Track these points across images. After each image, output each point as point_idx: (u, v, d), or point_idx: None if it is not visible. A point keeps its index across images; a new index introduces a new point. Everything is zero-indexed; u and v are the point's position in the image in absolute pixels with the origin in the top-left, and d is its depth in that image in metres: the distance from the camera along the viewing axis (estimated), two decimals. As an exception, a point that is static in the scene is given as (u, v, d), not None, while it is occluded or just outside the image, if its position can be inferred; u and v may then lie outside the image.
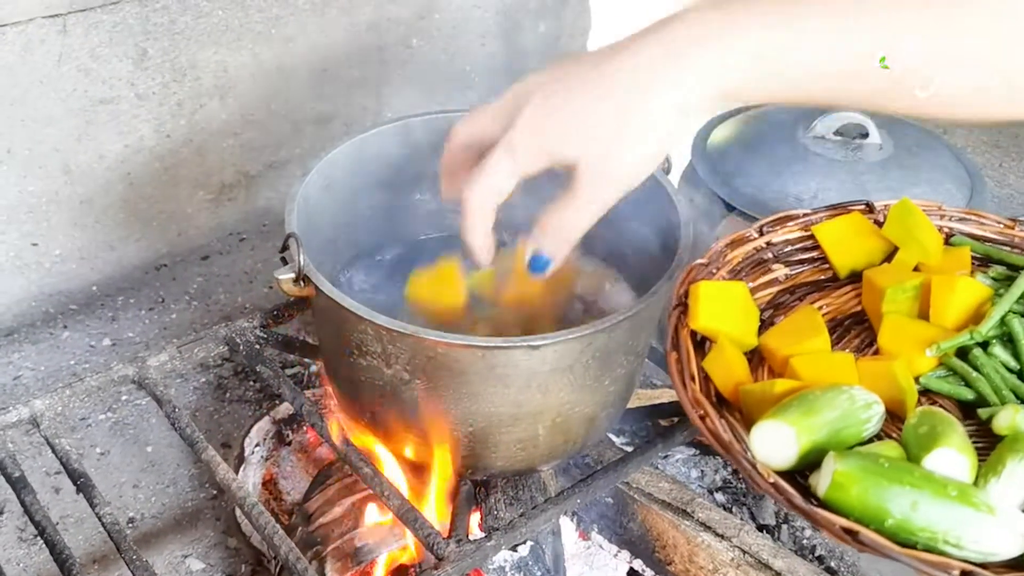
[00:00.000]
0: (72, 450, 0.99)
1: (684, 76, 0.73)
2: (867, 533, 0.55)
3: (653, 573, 1.16)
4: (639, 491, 1.15)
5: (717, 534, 1.10)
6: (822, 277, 0.87)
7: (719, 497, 1.25)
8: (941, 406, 0.74)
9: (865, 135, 1.30)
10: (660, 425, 1.18)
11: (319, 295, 0.89)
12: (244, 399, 1.32)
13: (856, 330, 0.84)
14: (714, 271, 0.80)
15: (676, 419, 1.08)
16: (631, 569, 1.17)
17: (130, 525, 1.16)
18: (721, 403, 0.71)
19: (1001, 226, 0.88)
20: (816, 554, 1.20)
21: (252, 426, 1.21)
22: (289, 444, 1.21)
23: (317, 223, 1.02)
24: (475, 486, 1.03)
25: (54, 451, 0.99)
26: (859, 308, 0.85)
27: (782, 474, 0.62)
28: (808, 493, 0.61)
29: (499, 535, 0.93)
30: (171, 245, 1.50)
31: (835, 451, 0.60)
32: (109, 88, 1.32)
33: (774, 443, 0.63)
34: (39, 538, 0.93)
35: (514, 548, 1.06)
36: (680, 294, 0.77)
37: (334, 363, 1.01)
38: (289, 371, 1.32)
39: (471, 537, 0.93)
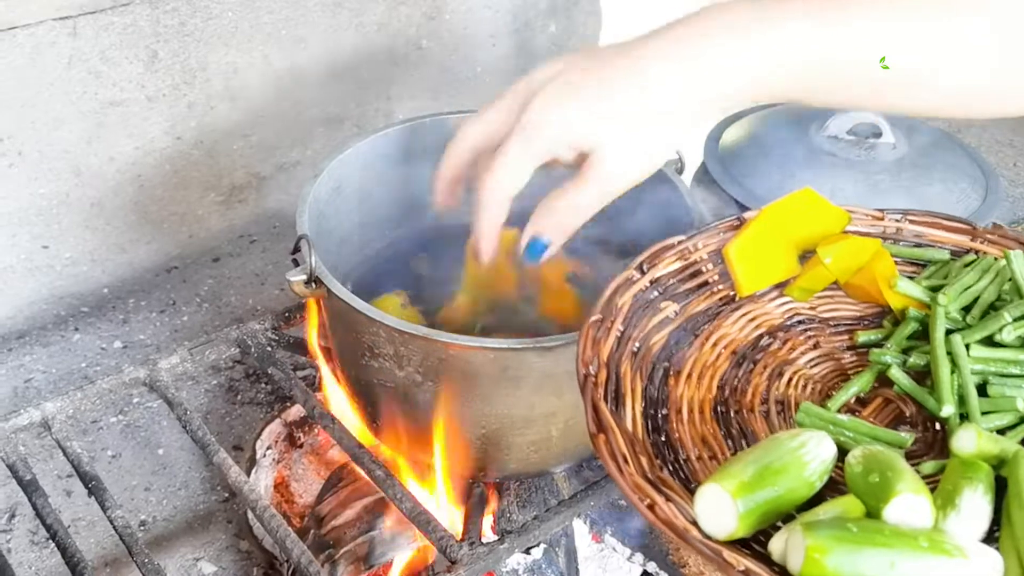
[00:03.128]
0: (83, 453, 0.99)
1: (715, 67, 0.72)
2: None
3: (667, 576, 1.15)
4: (652, 493, 1.14)
5: (731, 536, 1.10)
6: (712, 303, 0.81)
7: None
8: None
9: (879, 135, 1.29)
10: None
11: (331, 296, 0.89)
12: (255, 401, 1.31)
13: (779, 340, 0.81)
14: (609, 325, 0.74)
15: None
16: (645, 572, 1.17)
17: (142, 528, 1.16)
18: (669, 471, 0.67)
19: (869, 219, 0.86)
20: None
21: (263, 428, 1.21)
22: (301, 446, 1.21)
23: (328, 224, 1.02)
24: (488, 488, 1.03)
25: (65, 454, 0.99)
26: (762, 330, 0.81)
27: (735, 542, 0.58)
28: (768, 562, 0.57)
29: (512, 538, 0.92)
30: (182, 247, 1.49)
31: (801, 523, 0.57)
32: (119, 90, 1.32)
33: (714, 510, 0.59)
34: (51, 541, 0.93)
35: (527, 551, 1.05)
36: (586, 360, 0.70)
37: (346, 365, 1.01)
38: (300, 373, 1.32)
39: (484, 540, 0.93)
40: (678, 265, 0.81)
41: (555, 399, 0.91)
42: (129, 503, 1.18)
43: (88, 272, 1.41)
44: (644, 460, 0.64)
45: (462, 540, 0.91)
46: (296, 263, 0.91)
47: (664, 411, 0.71)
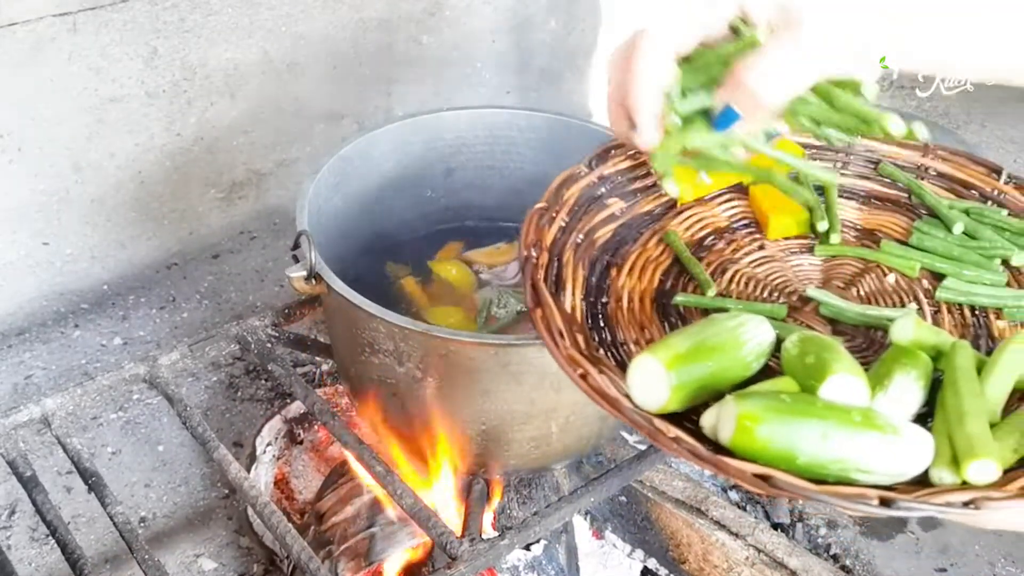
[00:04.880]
0: (83, 449, 0.99)
1: None
2: (781, 476, 0.52)
3: (667, 572, 1.15)
4: (653, 489, 1.15)
5: (731, 532, 1.10)
6: (660, 204, 0.81)
7: (733, 495, 1.24)
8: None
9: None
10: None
11: (331, 292, 0.89)
12: (255, 398, 1.31)
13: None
14: (554, 214, 0.74)
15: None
16: (645, 568, 1.17)
17: (142, 524, 1.16)
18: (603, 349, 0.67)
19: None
20: (831, 552, 1.19)
21: (264, 425, 1.20)
22: (301, 443, 1.21)
23: (328, 220, 1.02)
24: (488, 485, 1.03)
25: (65, 451, 0.99)
26: (708, 231, 0.81)
27: (666, 417, 0.57)
28: (701, 437, 0.56)
29: (512, 534, 0.92)
30: (182, 244, 1.49)
31: (733, 393, 0.57)
32: (119, 86, 1.31)
33: (647, 382, 0.58)
34: (51, 538, 0.93)
35: (527, 547, 1.05)
36: (528, 243, 0.70)
37: (346, 361, 1.01)
38: (300, 369, 1.32)
39: (484, 536, 0.93)
40: (627, 164, 0.81)
41: (555, 395, 0.91)
42: (129, 499, 1.18)
43: (88, 269, 1.41)
44: (580, 338, 0.64)
45: (462, 536, 0.91)
46: (296, 259, 0.91)
47: (604, 300, 0.72)
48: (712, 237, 0.80)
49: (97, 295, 1.43)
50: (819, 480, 0.53)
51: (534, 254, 0.69)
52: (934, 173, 0.84)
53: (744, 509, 1.21)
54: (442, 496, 1.01)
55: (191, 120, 1.41)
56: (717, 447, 0.55)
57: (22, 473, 0.96)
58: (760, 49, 0.62)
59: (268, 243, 1.55)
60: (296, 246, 0.91)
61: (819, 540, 1.20)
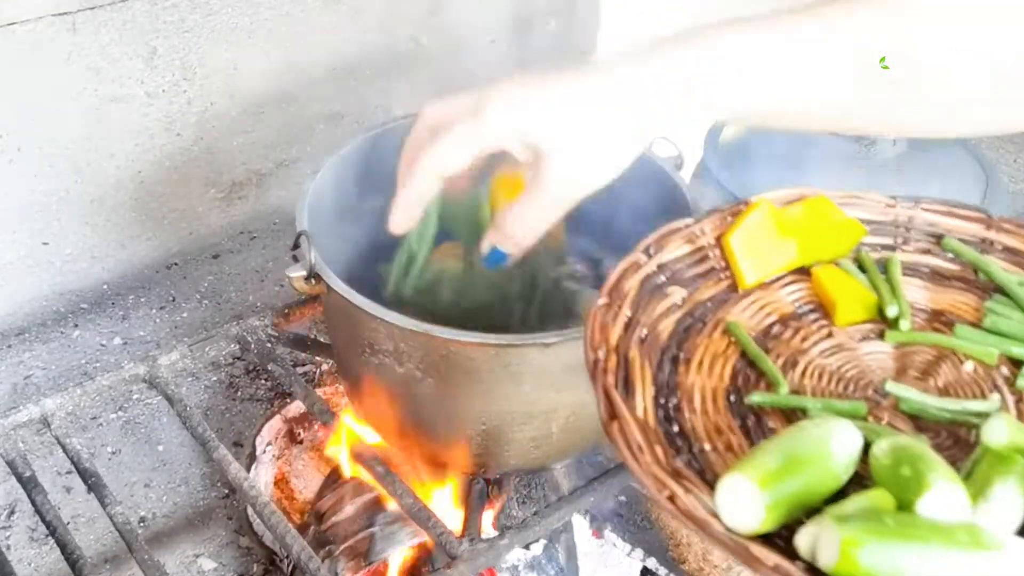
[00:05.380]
0: (83, 449, 0.99)
1: (681, 65, 0.72)
2: None
3: (667, 571, 1.15)
4: (652, 489, 1.14)
5: (731, 532, 1.10)
6: (720, 289, 0.78)
7: (733, 495, 1.24)
8: None
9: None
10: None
11: (330, 293, 0.89)
12: (255, 397, 1.31)
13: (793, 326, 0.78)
14: (617, 310, 0.72)
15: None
16: (645, 567, 1.17)
17: (141, 524, 1.16)
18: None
19: (881, 206, 0.83)
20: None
21: (263, 425, 1.21)
22: (301, 443, 1.21)
23: (328, 221, 1.02)
24: (487, 484, 1.03)
25: (65, 451, 0.99)
26: (773, 318, 0.78)
27: (756, 539, 0.55)
28: (794, 557, 0.54)
29: (512, 534, 0.92)
30: (182, 243, 1.49)
31: (832, 516, 0.55)
32: (119, 86, 1.31)
33: (739, 502, 0.56)
34: (50, 538, 0.93)
35: (527, 547, 1.05)
36: (595, 345, 0.67)
37: (346, 361, 1.01)
38: (300, 369, 1.32)
39: (484, 536, 0.93)
40: (686, 249, 0.78)
41: (555, 395, 0.91)
42: (129, 499, 1.18)
43: (88, 268, 1.41)
44: (659, 449, 0.61)
45: (462, 536, 0.91)
46: (296, 259, 0.91)
47: (675, 400, 0.69)
48: (778, 326, 0.77)
49: (97, 295, 1.43)
50: None
51: (602, 357, 0.66)
52: (1000, 248, 0.81)
53: (744, 509, 1.21)
54: (442, 496, 1.01)
55: (191, 120, 1.41)
56: (812, 569, 0.54)
57: (21, 473, 0.96)
58: (517, 197, 0.75)
59: (268, 243, 1.55)
60: (296, 246, 0.91)
61: (819, 540, 1.20)
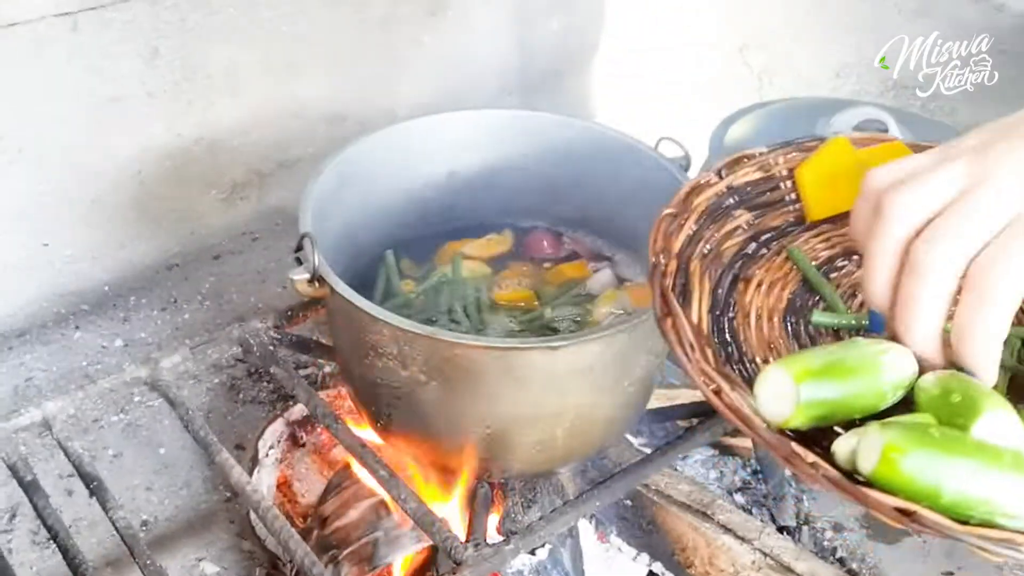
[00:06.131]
0: (85, 453, 0.98)
1: None
2: (925, 513, 0.50)
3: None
4: (658, 493, 1.14)
5: (738, 536, 1.09)
6: (788, 220, 0.78)
7: (739, 498, 1.23)
8: None
9: (884, 131, 1.28)
10: (679, 426, 1.16)
11: (334, 295, 0.88)
12: (257, 400, 1.31)
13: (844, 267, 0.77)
14: (682, 222, 0.72)
15: (696, 420, 1.07)
16: (650, 572, 1.16)
17: (143, 528, 1.15)
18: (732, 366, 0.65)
19: None
20: (837, 556, 1.18)
21: (266, 428, 1.20)
22: (303, 446, 1.20)
23: (331, 222, 1.01)
24: (492, 488, 1.02)
25: (67, 454, 0.98)
26: (834, 251, 0.77)
27: (798, 437, 0.55)
28: (828, 460, 0.54)
29: (517, 539, 0.91)
30: (183, 244, 1.48)
31: (878, 423, 0.54)
32: (120, 86, 1.31)
33: (774, 395, 0.56)
34: (52, 542, 0.92)
35: (532, 552, 1.04)
36: (657, 249, 0.68)
37: (350, 364, 1.00)
38: (302, 372, 1.31)
39: (489, 541, 0.92)
40: (757, 176, 0.78)
41: (561, 399, 0.90)
42: (130, 503, 1.17)
43: (88, 270, 1.40)
44: (709, 352, 0.62)
45: (467, 541, 0.90)
46: (299, 261, 0.90)
47: (731, 315, 0.69)
48: (842, 258, 0.77)
49: (98, 296, 1.42)
50: (962, 520, 0.51)
51: (663, 261, 0.67)
52: None
53: (750, 512, 1.20)
54: (446, 500, 1.00)
55: (192, 120, 1.40)
56: (852, 477, 0.53)
57: (23, 477, 0.96)
58: None
59: (270, 244, 1.54)
60: (299, 248, 0.90)
61: (825, 544, 1.19)
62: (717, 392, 0.57)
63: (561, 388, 0.89)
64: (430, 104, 1.63)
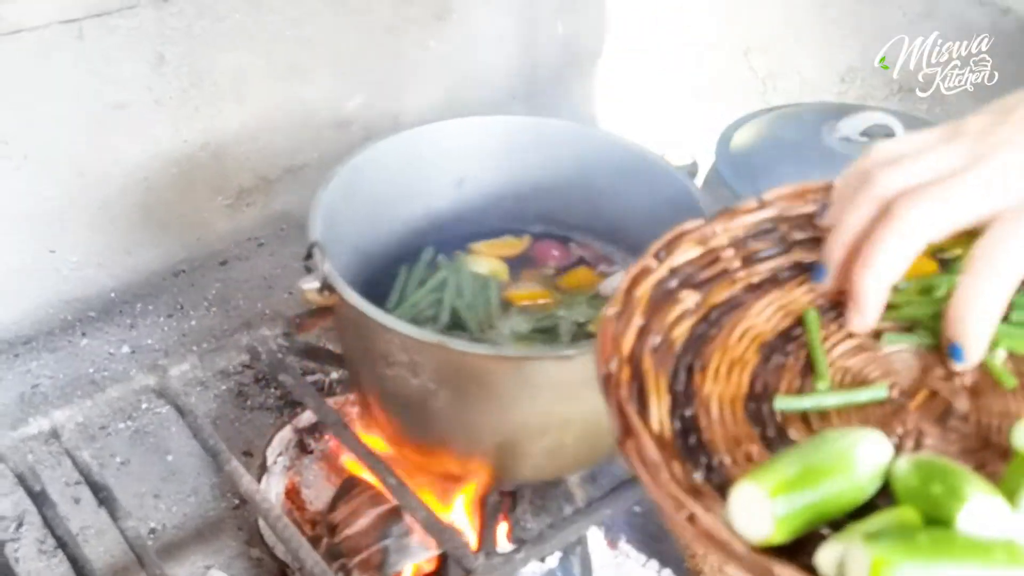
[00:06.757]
0: (93, 462, 0.98)
1: None
2: None
3: (681, 582, 1.14)
4: (667, 499, 1.13)
5: (747, 543, 1.09)
6: (735, 292, 0.74)
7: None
8: None
9: (891, 136, 1.28)
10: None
11: (344, 304, 0.88)
12: (265, 407, 1.30)
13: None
14: (628, 318, 0.68)
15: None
16: (659, 578, 1.16)
17: (151, 536, 1.15)
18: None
19: None
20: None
21: (274, 435, 1.19)
22: (311, 453, 1.20)
23: (339, 229, 1.01)
24: (502, 497, 1.02)
25: (75, 464, 0.98)
26: (791, 321, 0.73)
27: (776, 551, 0.52)
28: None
29: (528, 547, 0.91)
30: (189, 250, 1.48)
31: (861, 533, 0.52)
32: (125, 93, 1.30)
33: (750, 512, 0.52)
34: (59, 550, 0.92)
35: (542, 558, 1.04)
36: (606, 356, 0.63)
37: (359, 372, 1.00)
38: (309, 378, 1.31)
39: (499, 550, 0.92)
40: (697, 252, 0.74)
41: (571, 406, 0.90)
42: (138, 510, 1.17)
43: (94, 276, 1.40)
44: (676, 465, 0.58)
45: (477, 550, 0.90)
46: (308, 270, 0.90)
47: (691, 410, 0.65)
48: (797, 327, 0.73)
49: (104, 303, 1.42)
50: None
51: (614, 369, 0.63)
52: None
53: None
54: (456, 508, 1.00)
55: (198, 126, 1.40)
56: None
57: (31, 487, 0.95)
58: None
59: (276, 249, 1.54)
60: (308, 256, 0.90)
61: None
62: (691, 519, 0.53)
63: (572, 396, 0.88)
64: (436, 109, 1.63)
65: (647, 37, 1.91)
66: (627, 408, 0.60)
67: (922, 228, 0.59)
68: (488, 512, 0.98)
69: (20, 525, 1.15)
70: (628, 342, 0.66)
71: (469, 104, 1.67)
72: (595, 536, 1.14)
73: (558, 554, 1.04)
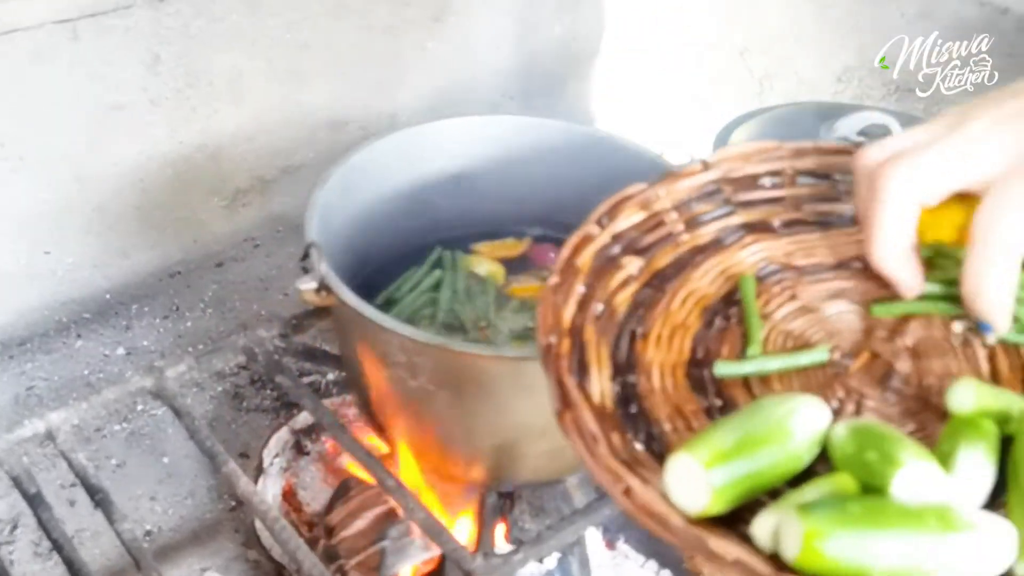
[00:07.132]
0: (89, 465, 0.97)
1: None
2: None
3: (680, 583, 1.14)
4: (665, 500, 1.13)
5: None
6: (679, 255, 0.72)
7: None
8: None
9: (888, 135, 1.27)
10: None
11: (342, 305, 0.87)
12: (261, 408, 1.30)
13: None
14: (570, 288, 0.66)
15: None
16: (658, 579, 1.15)
17: (147, 538, 1.14)
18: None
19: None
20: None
21: (271, 436, 1.19)
22: (308, 454, 1.19)
23: (336, 230, 1.00)
24: (500, 498, 1.01)
25: (71, 466, 0.97)
26: (735, 283, 0.71)
27: (712, 522, 0.51)
28: (746, 541, 0.50)
29: (527, 548, 0.91)
30: (185, 252, 1.48)
31: (794, 504, 0.51)
32: (121, 94, 1.30)
33: (686, 484, 0.51)
34: (54, 552, 0.92)
35: (540, 559, 1.04)
36: (546, 329, 0.62)
37: (357, 373, 0.99)
38: (306, 379, 1.30)
39: (498, 551, 0.91)
40: (640, 216, 0.72)
41: (570, 407, 0.90)
42: (134, 513, 1.16)
43: (90, 277, 1.39)
44: (616, 437, 0.56)
45: (476, 551, 0.90)
46: (305, 270, 0.89)
47: (633, 378, 0.63)
48: (740, 291, 0.71)
49: (99, 304, 1.41)
50: None
51: (553, 341, 0.61)
52: None
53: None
54: (454, 510, 1.00)
55: (194, 127, 1.39)
56: (775, 560, 0.50)
57: (26, 490, 0.95)
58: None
59: (272, 251, 1.53)
60: (305, 256, 0.89)
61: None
62: (627, 493, 0.51)
63: (570, 397, 0.88)
64: (433, 109, 1.62)
65: (645, 37, 1.91)
66: (566, 380, 0.58)
67: (905, 191, 0.61)
68: (487, 513, 0.97)
69: (15, 528, 1.15)
70: (569, 312, 0.64)
71: (466, 105, 1.67)
72: (593, 537, 1.14)
73: (556, 555, 1.04)
